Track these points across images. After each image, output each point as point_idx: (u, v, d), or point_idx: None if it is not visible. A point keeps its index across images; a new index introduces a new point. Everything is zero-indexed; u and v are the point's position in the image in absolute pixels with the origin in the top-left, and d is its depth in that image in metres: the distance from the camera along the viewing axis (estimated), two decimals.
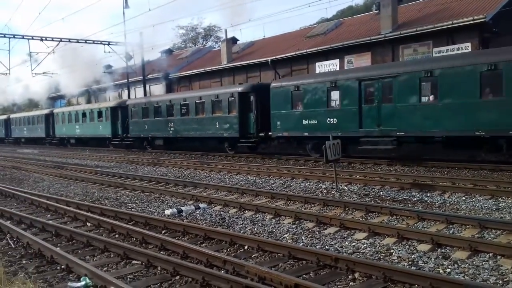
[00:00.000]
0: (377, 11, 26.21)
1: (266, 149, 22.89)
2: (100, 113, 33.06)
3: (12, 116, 50.67)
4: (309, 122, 18.76)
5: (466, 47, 20.17)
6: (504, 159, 14.36)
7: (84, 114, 35.22)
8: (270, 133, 20.55)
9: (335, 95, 17.89)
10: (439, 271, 5.69)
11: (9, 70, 31.22)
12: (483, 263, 5.86)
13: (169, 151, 26.40)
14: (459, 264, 5.87)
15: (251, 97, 21.58)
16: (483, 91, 14.01)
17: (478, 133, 13.96)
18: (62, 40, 30.65)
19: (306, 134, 18.97)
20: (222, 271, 5.74)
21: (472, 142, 14.76)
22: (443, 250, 6.41)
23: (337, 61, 25.24)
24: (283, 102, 19.74)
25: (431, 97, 15.33)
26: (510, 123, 13.18)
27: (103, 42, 31.92)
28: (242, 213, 9.50)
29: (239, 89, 22.20)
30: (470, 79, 14.08)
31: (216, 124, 23.12)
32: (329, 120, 18.04)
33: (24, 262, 6.74)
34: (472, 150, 15.73)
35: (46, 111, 42.61)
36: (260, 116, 21.17)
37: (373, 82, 16.68)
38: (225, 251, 6.83)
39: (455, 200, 9.78)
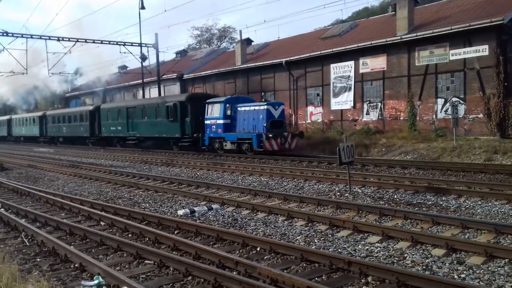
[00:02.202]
0: (393, 12, 26.00)
1: (97, 143, 36.04)
2: (33, 120, 46.55)
3: None
4: (112, 128, 33.31)
5: (483, 49, 19.92)
6: None
7: (26, 120, 48.71)
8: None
9: (120, 114, 32.14)
10: (453, 276, 5.61)
11: (26, 70, 31.47)
12: (499, 269, 5.77)
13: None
14: (474, 269, 5.79)
15: (96, 113, 35.60)
16: (157, 115, 27.90)
17: (157, 135, 28.17)
18: (79, 40, 30.94)
19: (112, 135, 33.59)
20: (234, 273, 5.73)
21: (160, 140, 28.29)
22: (458, 255, 6.33)
23: (352, 62, 25.09)
24: (105, 117, 34.27)
25: (145, 117, 29.31)
26: (163, 131, 27.48)
27: (118, 43, 32.16)
28: (254, 214, 9.48)
29: (90, 108, 37.29)
30: (153, 109, 28.51)
31: (81, 128, 37.84)
32: (118, 128, 32.37)
33: (38, 260, 6.82)
34: (164, 144, 28.16)
35: (7, 117, 54.95)
36: (99, 124, 35.14)
37: (130, 109, 31.23)
38: (237, 252, 6.83)
39: (471, 204, 9.63)
